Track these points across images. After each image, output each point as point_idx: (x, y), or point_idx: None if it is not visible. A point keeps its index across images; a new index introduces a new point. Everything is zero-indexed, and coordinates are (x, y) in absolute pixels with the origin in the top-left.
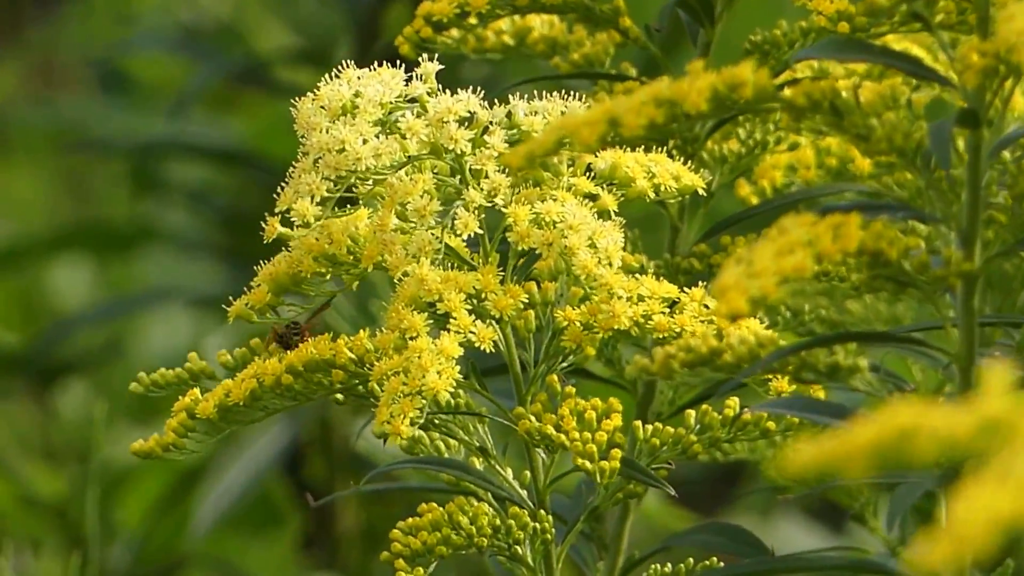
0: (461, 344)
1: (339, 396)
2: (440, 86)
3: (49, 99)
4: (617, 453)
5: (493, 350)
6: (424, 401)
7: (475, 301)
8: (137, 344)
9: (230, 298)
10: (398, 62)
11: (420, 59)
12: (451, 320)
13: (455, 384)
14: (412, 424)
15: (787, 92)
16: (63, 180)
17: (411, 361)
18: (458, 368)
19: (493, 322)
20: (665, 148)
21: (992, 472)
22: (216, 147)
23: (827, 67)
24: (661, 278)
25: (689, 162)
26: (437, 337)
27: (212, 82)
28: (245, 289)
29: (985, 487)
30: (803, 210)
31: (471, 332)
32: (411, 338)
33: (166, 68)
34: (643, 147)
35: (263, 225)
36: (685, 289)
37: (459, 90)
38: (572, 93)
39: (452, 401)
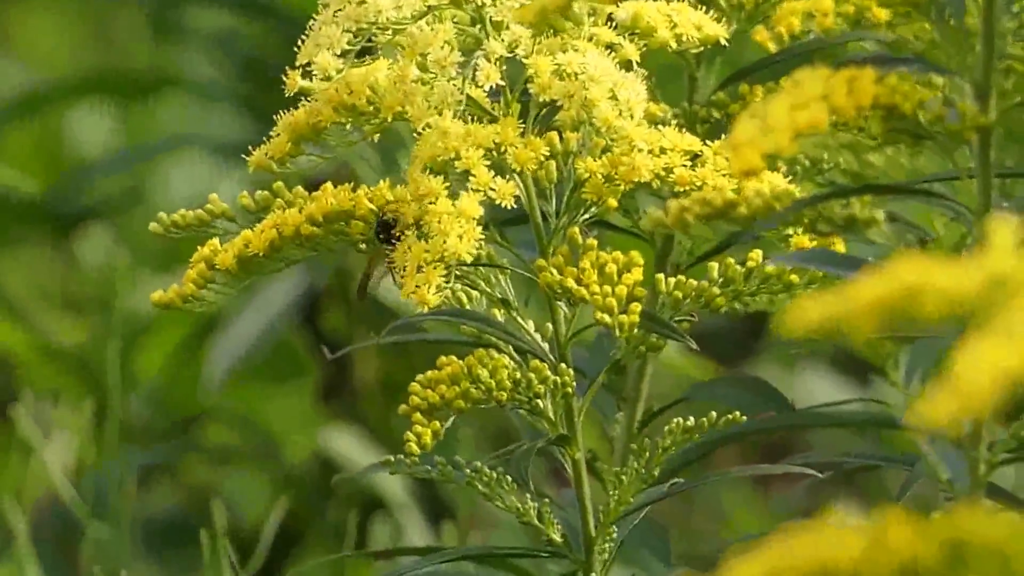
0: (482, 202)
1: (362, 246)
2: None
3: None
4: (637, 307)
5: (514, 205)
6: (447, 266)
7: (495, 154)
8: (158, 191)
9: (250, 147)
10: None
11: None
12: (471, 178)
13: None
14: (438, 291)
15: None
16: (85, 26)
17: (432, 226)
18: (480, 227)
19: (515, 175)
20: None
21: (997, 327)
22: None
23: None
24: (682, 129)
25: (705, 10)
26: (458, 196)
27: None
28: (265, 139)
29: (989, 342)
30: (818, 63)
31: (491, 189)
32: (431, 202)
33: None
34: None
35: (284, 76)
36: (707, 142)
37: None
38: None
39: (475, 255)
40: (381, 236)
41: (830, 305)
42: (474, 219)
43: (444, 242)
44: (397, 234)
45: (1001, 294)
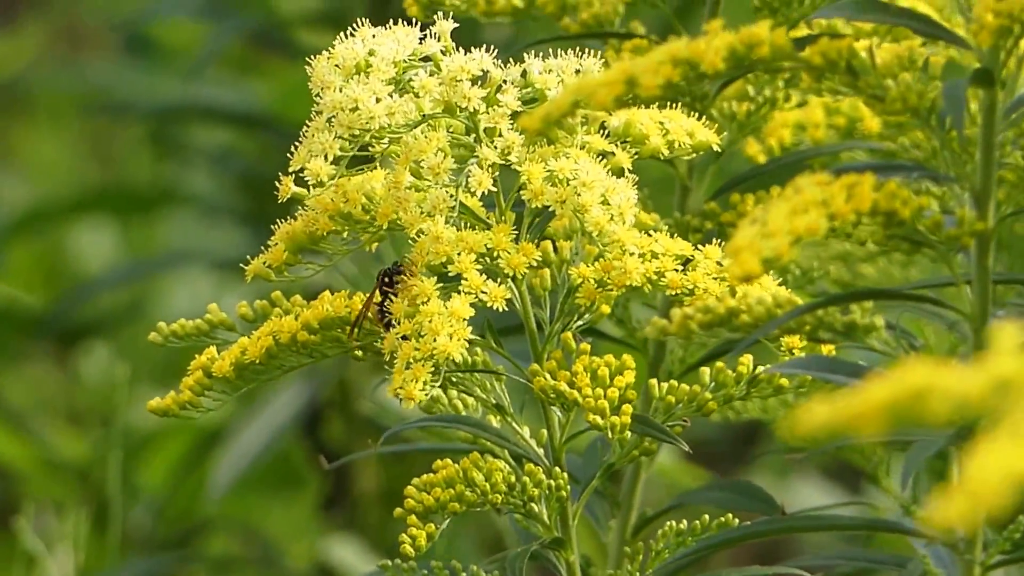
0: (475, 305)
1: (358, 352)
2: (459, 48)
3: (73, 62)
4: (628, 409)
5: (507, 309)
6: (436, 365)
7: (488, 260)
8: (159, 307)
9: (250, 260)
10: (415, 22)
11: (436, 17)
12: (462, 281)
13: (472, 342)
14: (425, 387)
15: (804, 52)
16: (86, 143)
17: (422, 325)
18: (471, 329)
19: (508, 280)
20: (675, 106)
21: (1004, 430)
22: (237, 111)
23: (835, 25)
24: (675, 236)
25: (699, 119)
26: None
27: (229, 42)
28: (263, 249)
29: (997, 445)
30: (818, 169)
31: (483, 292)
32: (422, 303)
33: (190, 32)
34: (656, 105)
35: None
36: (699, 247)
37: (475, 50)
38: (587, 51)
39: (469, 359)
40: (385, 279)
41: (838, 406)
42: (464, 320)
43: (434, 340)
44: (398, 281)
45: (1006, 397)
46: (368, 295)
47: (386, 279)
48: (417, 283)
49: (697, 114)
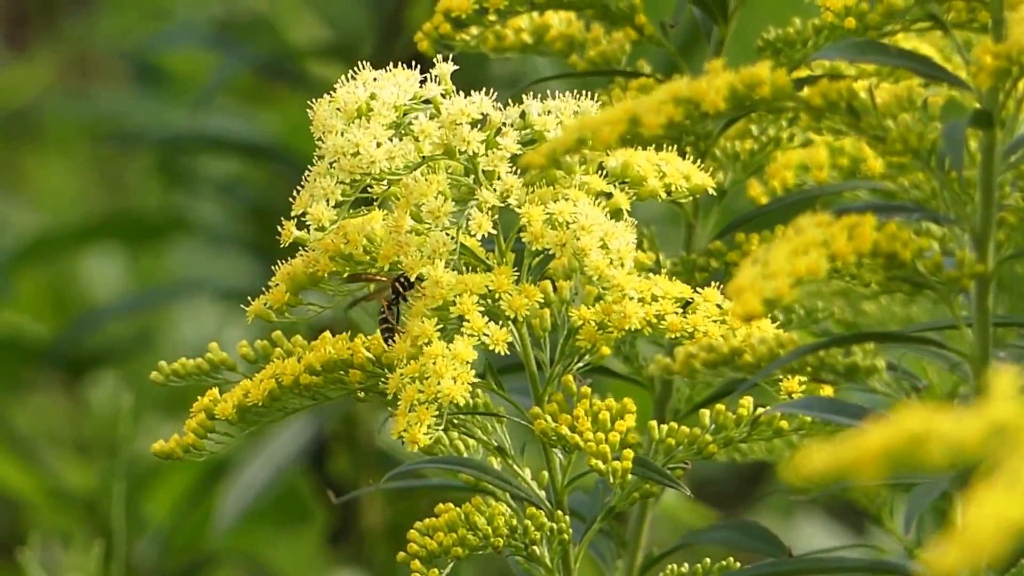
0: (476, 347)
1: (360, 394)
2: (467, 83)
3: (83, 91)
4: (629, 453)
5: (508, 352)
6: (440, 408)
7: (489, 301)
8: (167, 336)
9: (260, 291)
10: (414, 61)
11: (437, 59)
12: (465, 323)
13: (473, 384)
14: (429, 430)
15: (804, 92)
16: (95, 171)
17: (426, 367)
18: (474, 371)
19: (509, 322)
20: (677, 146)
21: (1002, 477)
22: (246, 141)
23: (838, 66)
24: (675, 277)
25: (702, 160)
26: (452, 341)
27: (237, 73)
28: (264, 288)
29: (995, 492)
30: (819, 209)
31: (485, 335)
32: (425, 344)
33: (200, 61)
34: (655, 146)
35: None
36: (698, 289)
37: (487, 88)
38: (586, 92)
39: (470, 401)
40: (399, 283)
41: (837, 450)
42: (468, 363)
43: (438, 383)
44: (409, 296)
45: (1004, 443)
46: (381, 287)
47: (400, 284)
48: (418, 324)
49: (700, 153)
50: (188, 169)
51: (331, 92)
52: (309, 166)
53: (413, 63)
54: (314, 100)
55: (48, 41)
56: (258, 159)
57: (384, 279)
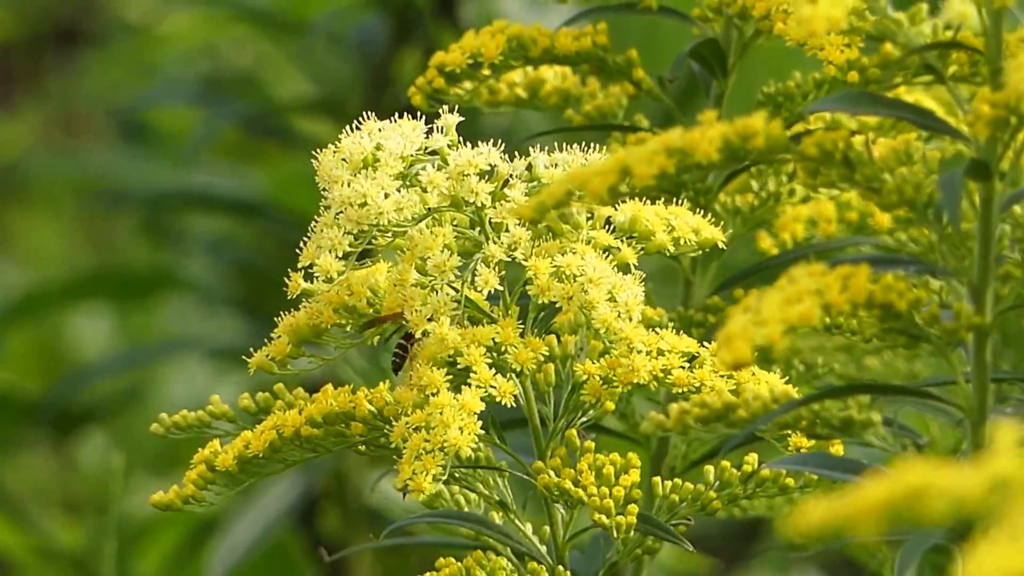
0: (482, 399)
1: (361, 447)
2: (459, 137)
3: (69, 148)
4: (634, 509)
5: (514, 404)
6: (446, 457)
7: (495, 354)
8: (156, 394)
9: (250, 349)
10: (406, 114)
11: (435, 110)
12: (472, 375)
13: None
14: (435, 480)
15: (800, 143)
16: (83, 229)
17: (433, 417)
18: (479, 423)
19: (513, 376)
20: (678, 201)
21: (1002, 531)
22: (235, 199)
23: (839, 119)
24: (677, 332)
25: (704, 214)
26: (458, 391)
27: (224, 129)
28: (265, 340)
29: (996, 546)
30: (814, 261)
31: (492, 387)
32: (432, 394)
33: (186, 118)
34: (662, 200)
35: (281, 278)
36: (704, 343)
37: (479, 141)
38: (592, 145)
39: (472, 455)
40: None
41: (836, 505)
42: (475, 413)
43: (445, 432)
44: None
45: (1004, 497)
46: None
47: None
48: (426, 373)
49: (701, 208)
50: (176, 226)
51: (331, 144)
52: (298, 223)
53: (405, 116)
54: (308, 154)
55: (34, 98)
56: (246, 216)
57: (401, 316)
